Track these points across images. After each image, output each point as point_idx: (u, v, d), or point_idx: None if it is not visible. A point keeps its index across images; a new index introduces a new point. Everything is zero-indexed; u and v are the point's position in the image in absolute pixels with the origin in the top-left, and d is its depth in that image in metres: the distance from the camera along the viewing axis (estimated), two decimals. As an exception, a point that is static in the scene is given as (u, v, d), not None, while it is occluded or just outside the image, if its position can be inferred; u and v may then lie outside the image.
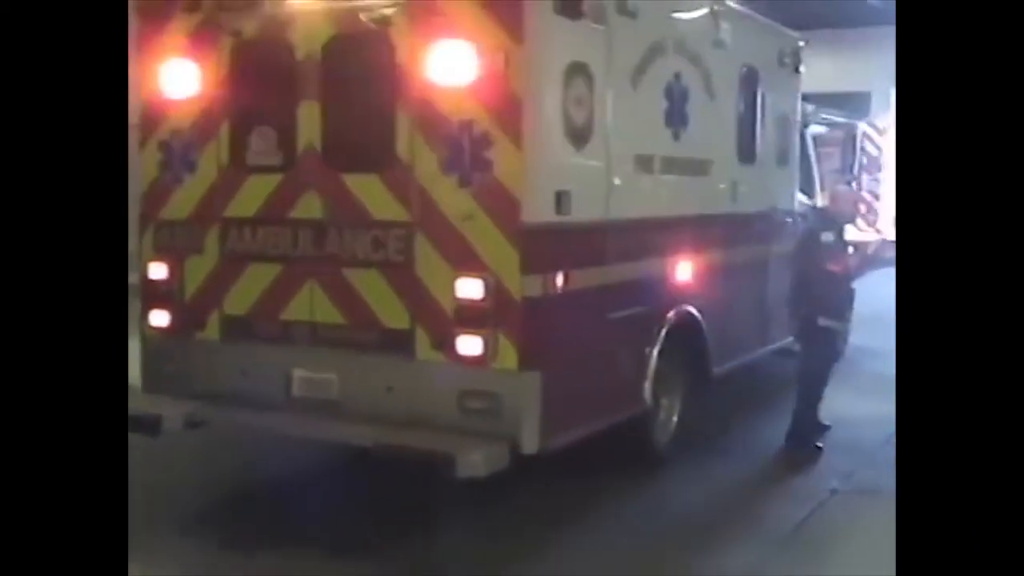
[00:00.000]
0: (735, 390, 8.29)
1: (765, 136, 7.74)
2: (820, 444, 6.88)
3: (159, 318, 5.85)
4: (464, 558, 4.96)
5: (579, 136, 5.20)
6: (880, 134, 16.90)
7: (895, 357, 3.13)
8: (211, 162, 5.67)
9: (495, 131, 4.85)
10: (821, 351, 6.82)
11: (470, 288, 4.94)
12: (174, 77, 5.70)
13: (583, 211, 5.25)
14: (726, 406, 7.98)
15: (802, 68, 8.44)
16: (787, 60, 8.13)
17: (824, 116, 15.37)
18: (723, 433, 7.29)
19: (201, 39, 5.61)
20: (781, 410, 8.11)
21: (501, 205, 4.88)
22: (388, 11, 5.07)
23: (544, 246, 5.00)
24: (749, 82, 7.40)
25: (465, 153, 4.93)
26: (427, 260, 5.07)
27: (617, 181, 5.58)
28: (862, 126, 18.05)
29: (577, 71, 5.14)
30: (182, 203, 5.77)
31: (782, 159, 8.18)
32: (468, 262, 4.95)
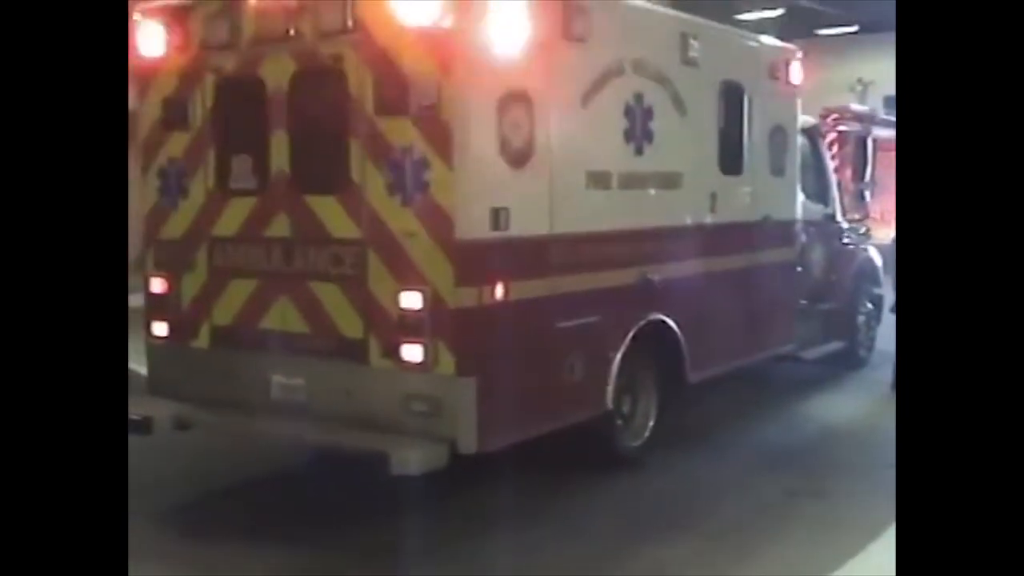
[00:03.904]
0: (730, 396, 8.57)
1: (753, 148, 7.94)
2: None
3: (159, 328, 6.46)
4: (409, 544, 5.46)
5: (518, 157, 5.56)
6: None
7: (895, 357, 3.21)
8: (200, 187, 6.25)
9: (431, 156, 5.28)
10: None
11: (411, 300, 5.37)
12: (170, 110, 6.31)
13: (524, 227, 5.62)
14: (716, 411, 8.26)
15: (800, 79, 8.59)
16: (779, 73, 8.29)
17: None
18: (701, 438, 7.54)
19: (191, 76, 6.20)
20: (771, 416, 8.38)
21: (438, 223, 5.30)
22: (341, 48, 5.55)
23: (479, 260, 5.39)
24: (731, 96, 7.62)
25: (407, 176, 5.37)
26: (377, 274, 5.53)
27: (565, 197, 5.92)
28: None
29: (513, 97, 5.51)
30: (177, 224, 6.36)
31: (777, 170, 8.34)
32: (410, 275, 5.39)
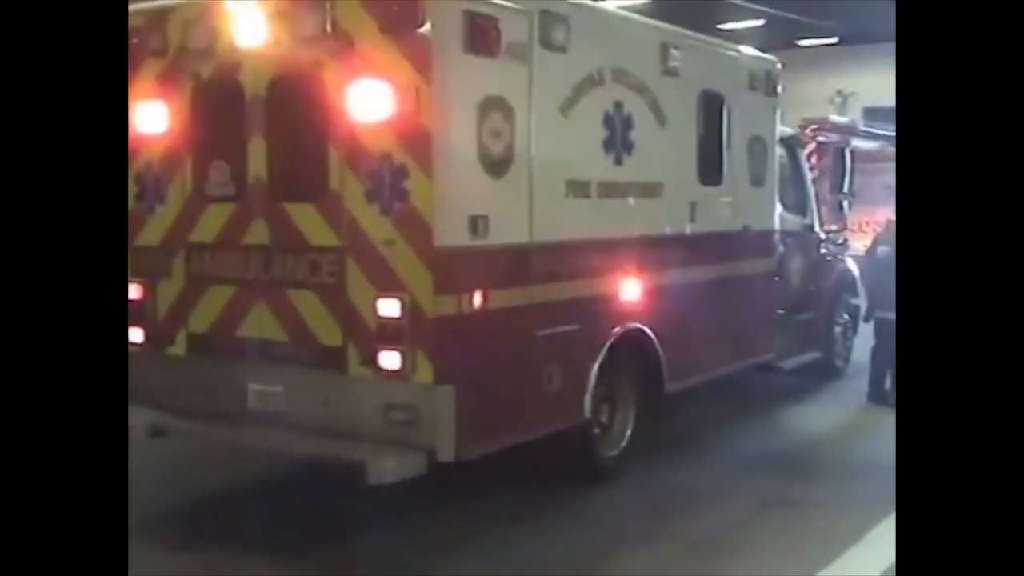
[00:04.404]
0: (708, 406, 8.58)
1: (733, 158, 7.96)
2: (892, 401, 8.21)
3: (135, 335, 6.39)
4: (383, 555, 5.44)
5: (497, 165, 5.55)
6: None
7: (896, 357, 3.20)
8: (177, 193, 6.20)
9: (410, 163, 5.26)
10: (883, 336, 8.87)
11: (389, 307, 5.34)
12: (146, 116, 6.26)
13: (504, 235, 5.61)
14: (694, 421, 8.28)
15: (779, 90, 8.63)
16: (758, 84, 8.33)
17: (876, 132, 15.32)
18: (678, 448, 7.55)
19: (168, 81, 6.16)
20: (749, 426, 8.41)
21: (416, 231, 5.28)
22: (319, 54, 5.52)
23: (458, 268, 5.37)
24: (710, 107, 7.64)
25: (385, 184, 5.34)
26: (356, 282, 5.49)
27: (544, 206, 5.91)
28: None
29: (493, 105, 5.50)
30: (154, 230, 6.31)
31: (756, 180, 8.37)
32: (388, 283, 5.36)
